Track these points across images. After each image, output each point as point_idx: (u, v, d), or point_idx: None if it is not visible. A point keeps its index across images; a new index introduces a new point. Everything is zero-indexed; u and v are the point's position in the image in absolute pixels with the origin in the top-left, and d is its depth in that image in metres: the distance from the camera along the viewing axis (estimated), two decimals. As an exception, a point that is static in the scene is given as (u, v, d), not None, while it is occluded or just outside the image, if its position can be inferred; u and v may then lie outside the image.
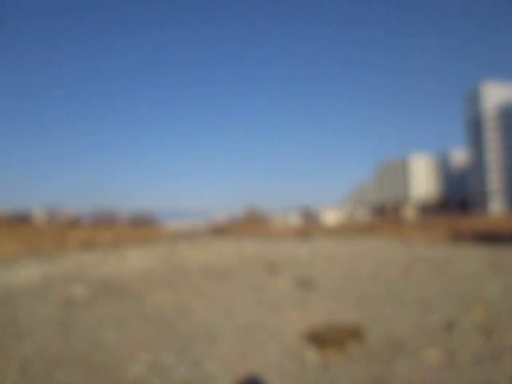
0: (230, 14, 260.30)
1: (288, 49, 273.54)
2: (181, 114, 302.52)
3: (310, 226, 67.53)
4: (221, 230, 72.81)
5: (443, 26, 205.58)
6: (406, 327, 5.10)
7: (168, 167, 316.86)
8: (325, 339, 4.42)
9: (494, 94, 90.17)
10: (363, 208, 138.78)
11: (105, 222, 56.38)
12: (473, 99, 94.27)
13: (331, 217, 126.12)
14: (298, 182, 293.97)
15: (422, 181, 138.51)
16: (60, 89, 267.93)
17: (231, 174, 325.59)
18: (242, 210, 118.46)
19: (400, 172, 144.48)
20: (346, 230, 48.84)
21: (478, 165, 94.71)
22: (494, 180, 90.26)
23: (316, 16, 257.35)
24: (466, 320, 5.34)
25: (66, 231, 30.29)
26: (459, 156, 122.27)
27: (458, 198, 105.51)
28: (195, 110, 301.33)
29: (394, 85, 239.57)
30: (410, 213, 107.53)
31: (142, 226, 56.44)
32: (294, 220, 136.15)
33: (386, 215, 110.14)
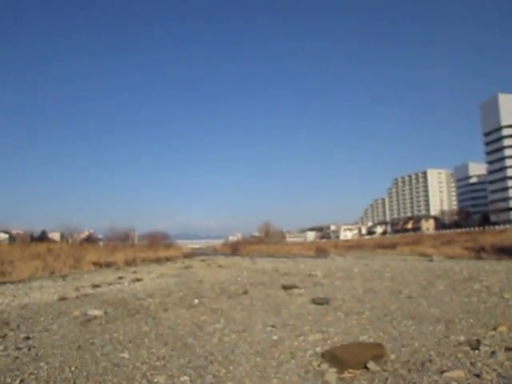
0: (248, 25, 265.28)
1: (306, 65, 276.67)
2: (198, 132, 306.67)
3: (327, 244, 66.86)
4: (237, 249, 72.71)
5: (458, 41, 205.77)
6: (429, 346, 4.90)
7: (183, 188, 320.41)
8: (345, 359, 4.28)
9: (510, 105, 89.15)
10: (382, 224, 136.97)
11: (121, 241, 56.91)
12: (490, 111, 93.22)
13: (349, 234, 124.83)
14: (315, 201, 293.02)
15: (441, 195, 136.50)
16: (77, 103, 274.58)
17: (248, 194, 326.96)
18: (258, 228, 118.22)
19: (418, 186, 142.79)
20: (364, 247, 48.15)
21: (497, 176, 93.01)
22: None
23: (335, 31, 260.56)
24: (491, 338, 5.11)
25: (81, 251, 30.60)
26: (477, 169, 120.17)
27: (478, 211, 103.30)
28: (213, 127, 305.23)
29: (409, 100, 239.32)
30: (429, 227, 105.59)
31: (158, 246, 56.71)
32: (312, 238, 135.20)
33: (404, 230, 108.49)
